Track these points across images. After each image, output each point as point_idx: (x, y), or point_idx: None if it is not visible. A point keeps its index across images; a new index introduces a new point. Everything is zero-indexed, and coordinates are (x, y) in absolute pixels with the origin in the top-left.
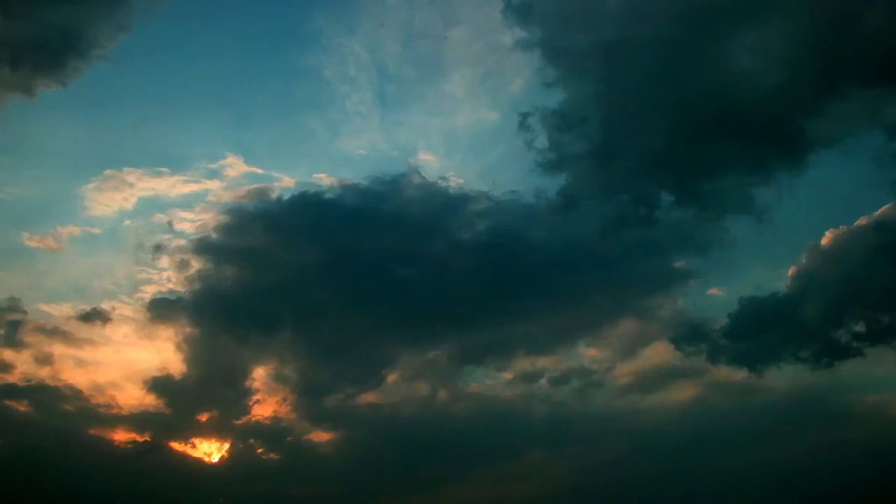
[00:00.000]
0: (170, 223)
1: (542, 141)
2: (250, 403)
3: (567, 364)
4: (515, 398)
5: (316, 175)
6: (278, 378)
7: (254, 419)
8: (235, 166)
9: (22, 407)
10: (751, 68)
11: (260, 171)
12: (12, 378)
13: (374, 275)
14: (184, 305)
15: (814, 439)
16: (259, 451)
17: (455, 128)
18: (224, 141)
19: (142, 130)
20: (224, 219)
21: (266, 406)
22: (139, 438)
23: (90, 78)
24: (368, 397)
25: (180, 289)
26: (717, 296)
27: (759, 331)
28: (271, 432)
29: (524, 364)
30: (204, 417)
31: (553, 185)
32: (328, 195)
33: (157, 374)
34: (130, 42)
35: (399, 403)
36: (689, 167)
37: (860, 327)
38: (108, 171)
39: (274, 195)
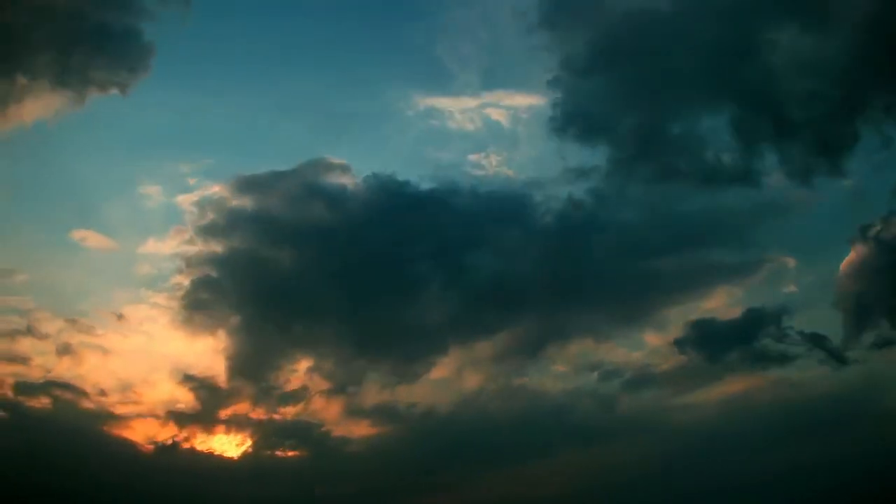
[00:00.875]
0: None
1: None
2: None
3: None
4: (562, 393)
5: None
6: (315, 370)
7: (289, 415)
8: None
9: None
10: None
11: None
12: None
13: (433, 263)
14: (222, 293)
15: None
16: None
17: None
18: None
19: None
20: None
21: (311, 401)
22: (166, 433)
23: None
24: (407, 391)
25: (216, 274)
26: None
27: None
28: (303, 428)
29: (577, 355)
30: (229, 412)
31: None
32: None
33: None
34: None
35: (440, 398)
36: None
37: None
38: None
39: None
